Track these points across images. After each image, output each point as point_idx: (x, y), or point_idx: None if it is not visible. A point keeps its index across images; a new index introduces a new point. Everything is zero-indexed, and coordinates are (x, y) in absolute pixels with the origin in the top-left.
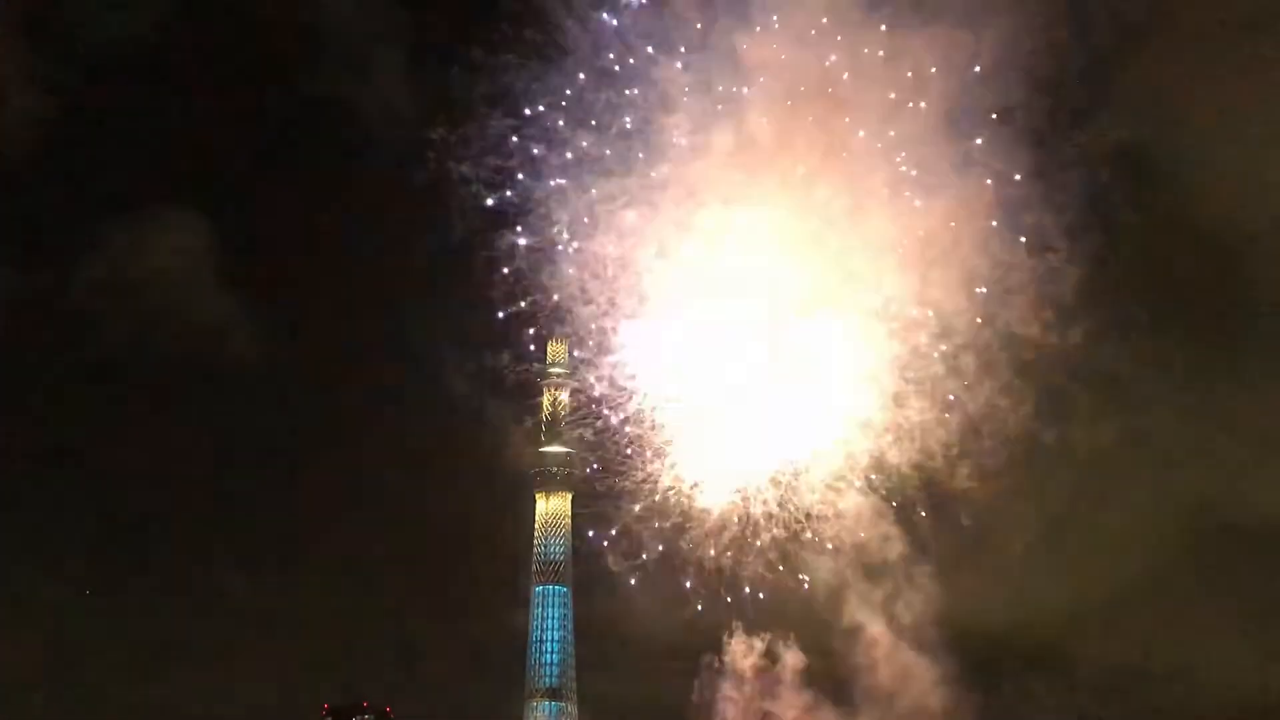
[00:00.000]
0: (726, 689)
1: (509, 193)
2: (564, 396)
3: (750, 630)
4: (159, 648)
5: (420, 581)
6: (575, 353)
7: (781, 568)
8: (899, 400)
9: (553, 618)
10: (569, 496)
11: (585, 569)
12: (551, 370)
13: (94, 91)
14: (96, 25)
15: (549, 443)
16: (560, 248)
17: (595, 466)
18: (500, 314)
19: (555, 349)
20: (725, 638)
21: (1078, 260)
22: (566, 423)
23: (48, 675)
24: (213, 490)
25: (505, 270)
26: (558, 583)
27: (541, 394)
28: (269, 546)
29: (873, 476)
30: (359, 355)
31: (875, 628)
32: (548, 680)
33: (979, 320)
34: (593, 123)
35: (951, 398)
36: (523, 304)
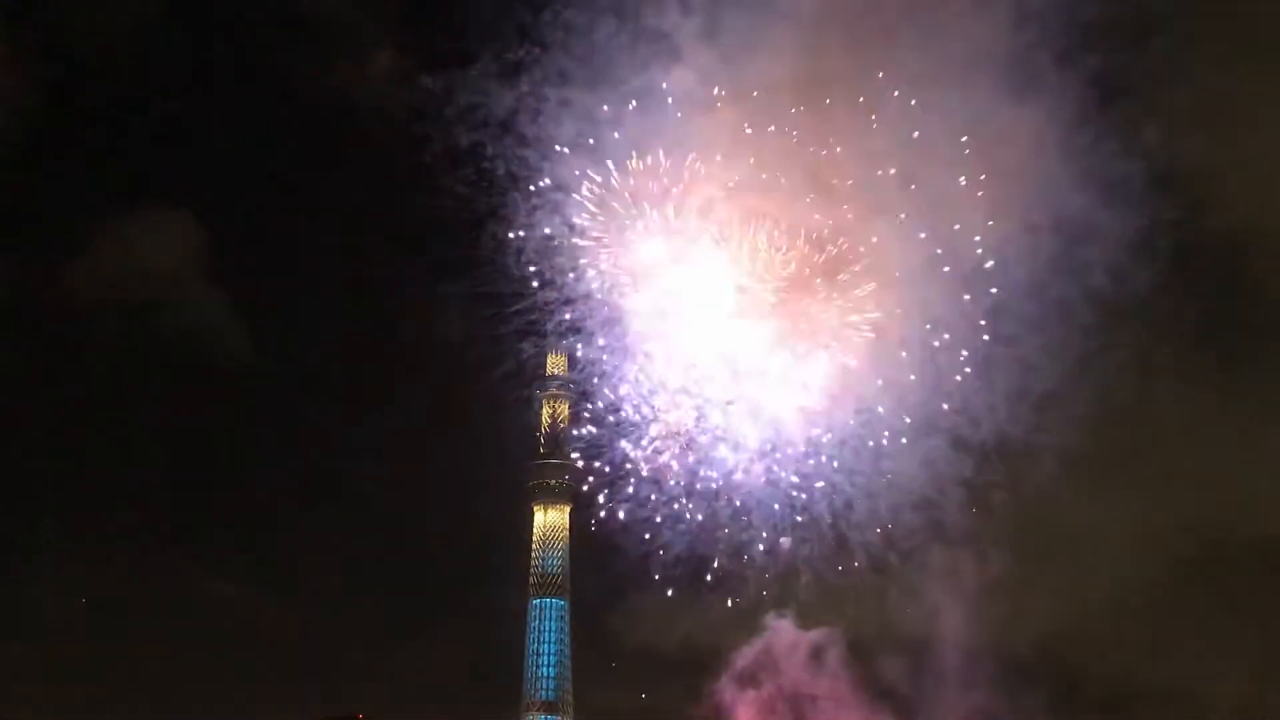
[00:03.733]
0: (752, 687)
1: (510, 171)
2: (564, 409)
3: (800, 621)
4: (150, 657)
5: (416, 594)
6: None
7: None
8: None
9: (550, 631)
10: (567, 509)
11: (583, 581)
12: (551, 382)
13: (82, 87)
14: (84, 19)
15: (548, 455)
16: (564, 233)
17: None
18: (503, 311)
19: (555, 359)
20: (769, 619)
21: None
22: (566, 434)
23: (38, 681)
24: (202, 495)
25: (509, 265)
26: (555, 596)
27: (540, 406)
28: (261, 555)
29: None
30: (353, 356)
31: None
32: (544, 693)
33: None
34: (605, 77)
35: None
36: (526, 304)
